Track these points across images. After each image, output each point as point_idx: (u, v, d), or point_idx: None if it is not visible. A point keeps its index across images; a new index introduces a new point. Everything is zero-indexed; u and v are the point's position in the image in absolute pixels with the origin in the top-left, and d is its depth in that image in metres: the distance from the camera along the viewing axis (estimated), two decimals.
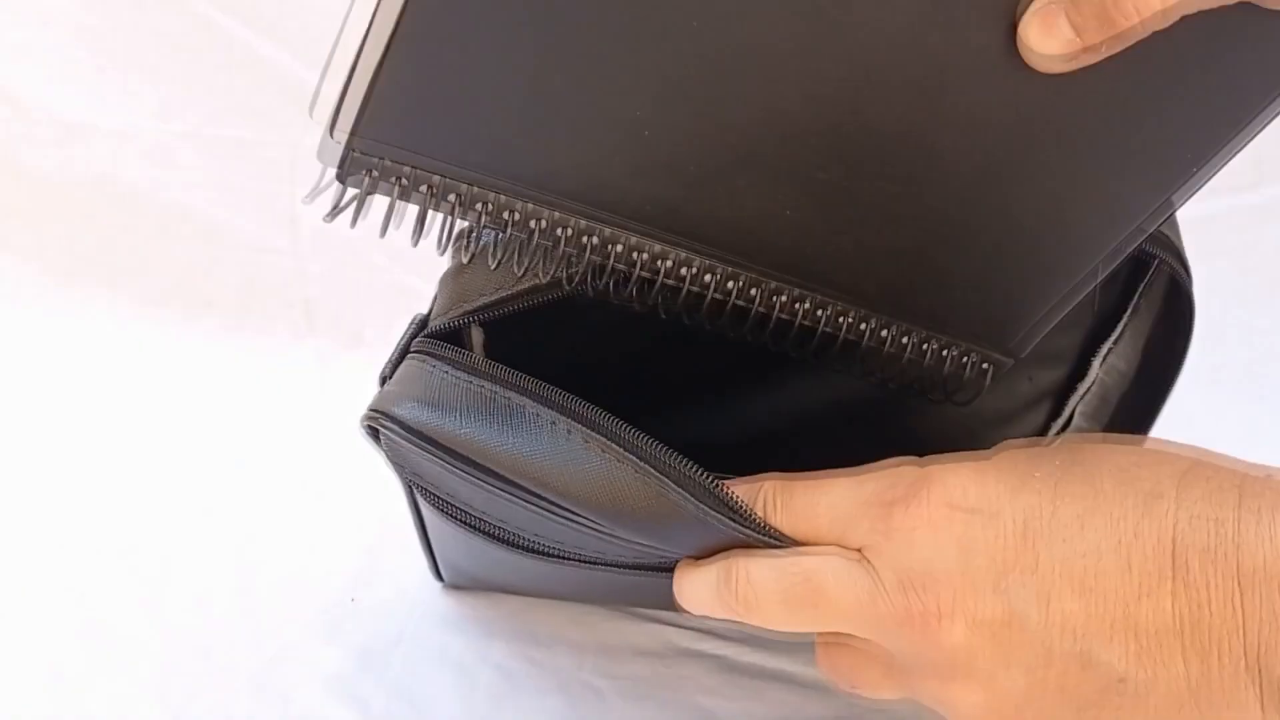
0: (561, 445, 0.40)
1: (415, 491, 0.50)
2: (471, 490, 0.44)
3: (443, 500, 0.48)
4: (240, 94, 0.79)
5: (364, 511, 0.64)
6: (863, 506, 0.38)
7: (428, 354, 0.45)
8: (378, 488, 0.66)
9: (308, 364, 0.79)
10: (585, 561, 0.46)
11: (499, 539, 0.47)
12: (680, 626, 0.57)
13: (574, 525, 0.42)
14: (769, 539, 0.39)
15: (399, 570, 0.60)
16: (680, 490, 0.39)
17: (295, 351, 0.79)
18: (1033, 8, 0.35)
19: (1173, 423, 0.70)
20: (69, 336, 0.77)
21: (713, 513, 0.39)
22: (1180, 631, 0.34)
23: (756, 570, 0.39)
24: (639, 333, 0.47)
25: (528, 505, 0.42)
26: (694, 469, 0.39)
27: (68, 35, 0.78)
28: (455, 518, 0.48)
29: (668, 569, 0.43)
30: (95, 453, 0.68)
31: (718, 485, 0.39)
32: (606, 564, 0.46)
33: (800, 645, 0.56)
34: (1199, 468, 0.36)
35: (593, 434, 0.40)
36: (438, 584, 0.59)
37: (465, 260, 0.44)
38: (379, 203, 0.83)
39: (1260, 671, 0.34)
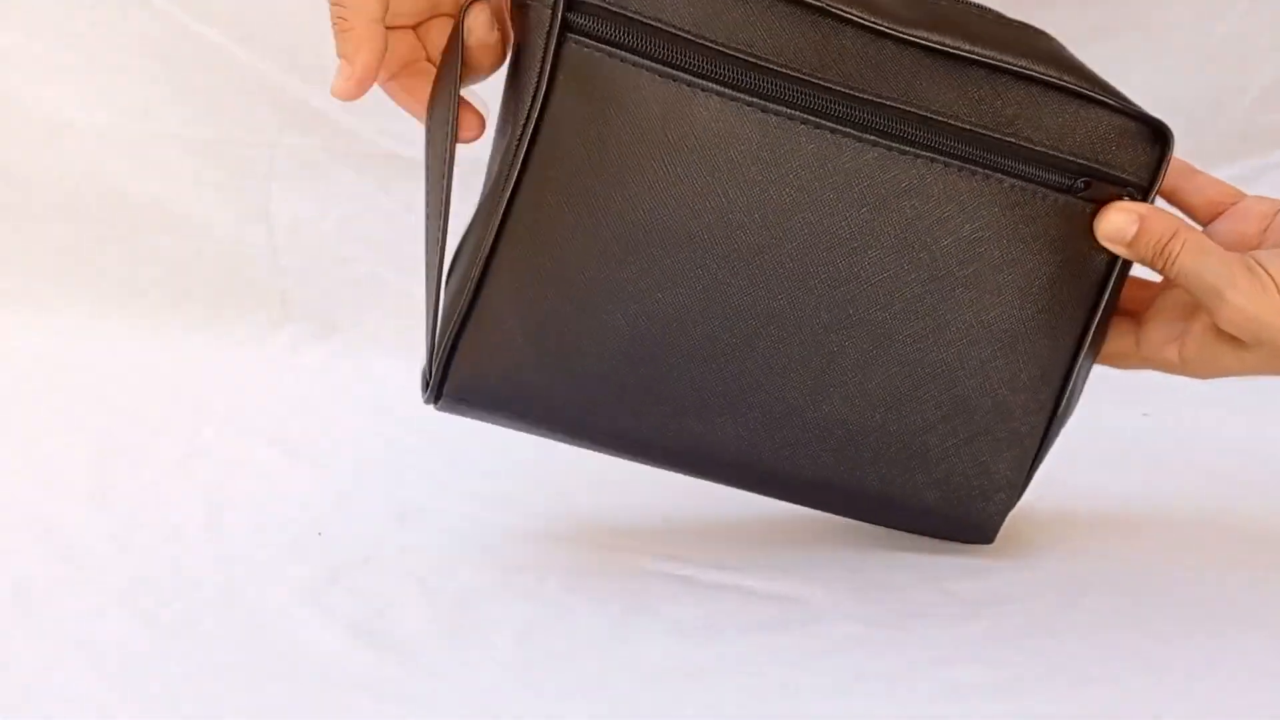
0: None
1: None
2: None
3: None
4: (218, 97, 0.82)
5: (333, 466, 0.66)
6: None
7: None
8: (346, 448, 0.68)
9: (283, 350, 0.81)
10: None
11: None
12: (648, 554, 0.58)
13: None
14: None
15: (366, 511, 0.62)
16: None
17: (271, 339, 0.81)
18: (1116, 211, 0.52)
19: (1141, 393, 0.72)
20: (54, 323, 0.80)
21: None
22: None
23: None
24: None
25: None
26: None
27: (53, 40, 0.81)
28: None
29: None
30: (71, 414, 0.70)
31: None
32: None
33: (761, 565, 0.57)
34: None
35: None
36: (402, 520, 0.60)
37: None
38: (354, 198, 0.87)
39: None
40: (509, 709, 0.47)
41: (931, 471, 0.55)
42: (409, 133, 0.85)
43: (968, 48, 0.50)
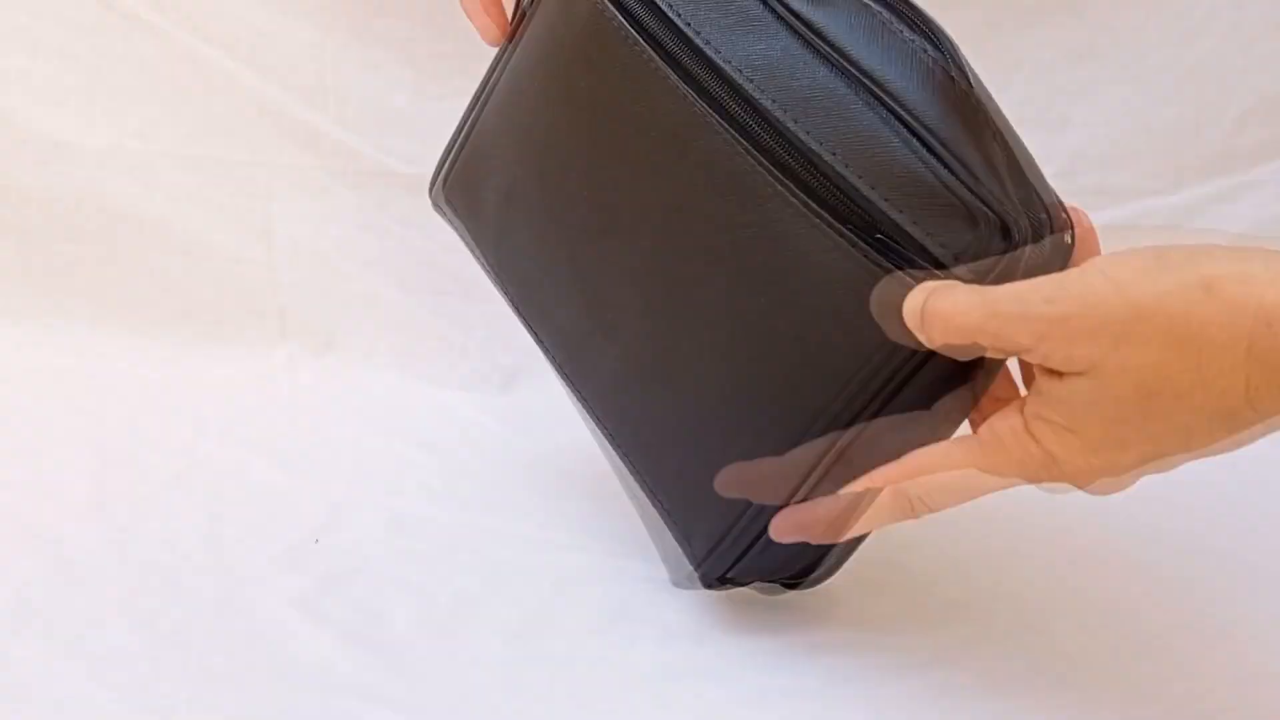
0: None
1: None
2: None
3: None
4: (219, 117, 0.84)
5: (328, 478, 0.67)
6: None
7: None
8: (342, 460, 0.69)
9: (281, 365, 0.82)
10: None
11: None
12: (636, 558, 0.59)
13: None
14: None
15: (360, 520, 0.63)
16: None
17: (269, 354, 0.82)
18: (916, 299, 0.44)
19: None
20: (55, 339, 0.81)
21: None
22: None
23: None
24: None
25: None
26: None
27: (56, 61, 0.83)
28: None
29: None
30: (71, 428, 0.71)
31: None
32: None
33: None
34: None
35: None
36: (395, 528, 0.61)
37: None
38: (353, 216, 0.88)
39: None
40: (498, 712, 0.48)
41: (649, 454, 0.53)
42: (408, 151, 0.87)
43: (841, 53, 0.46)
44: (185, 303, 0.84)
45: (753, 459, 0.48)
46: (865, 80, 0.45)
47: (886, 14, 0.46)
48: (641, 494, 0.54)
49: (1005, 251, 0.44)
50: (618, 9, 0.51)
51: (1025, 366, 0.46)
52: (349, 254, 0.85)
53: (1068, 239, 0.46)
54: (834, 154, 0.45)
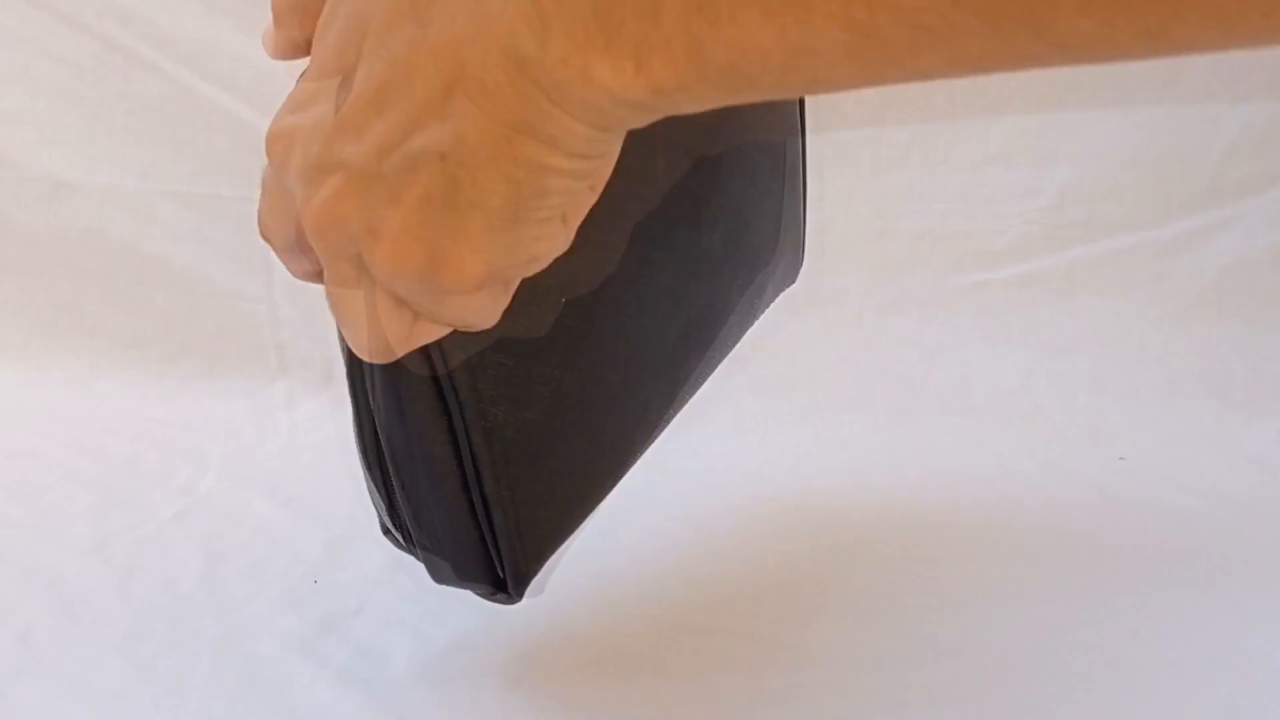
0: None
1: None
2: None
3: None
4: (219, 154, 0.85)
5: (328, 513, 0.67)
6: None
7: None
8: (341, 498, 0.70)
9: (280, 401, 0.82)
10: None
11: None
12: (635, 601, 0.60)
13: None
14: None
15: (360, 557, 0.63)
16: None
17: (268, 389, 0.83)
18: None
19: (1117, 436, 0.75)
20: (55, 376, 0.82)
21: None
22: None
23: None
24: None
25: None
26: None
27: (59, 101, 0.84)
28: None
29: None
30: (72, 466, 0.72)
31: None
32: None
33: (746, 611, 0.59)
34: None
35: None
36: (394, 568, 0.61)
37: None
38: None
39: None
40: None
41: None
42: None
43: None
44: (185, 339, 0.85)
45: None
46: None
47: None
48: None
49: None
50: None
51: None
52: None
53: None
54: None
